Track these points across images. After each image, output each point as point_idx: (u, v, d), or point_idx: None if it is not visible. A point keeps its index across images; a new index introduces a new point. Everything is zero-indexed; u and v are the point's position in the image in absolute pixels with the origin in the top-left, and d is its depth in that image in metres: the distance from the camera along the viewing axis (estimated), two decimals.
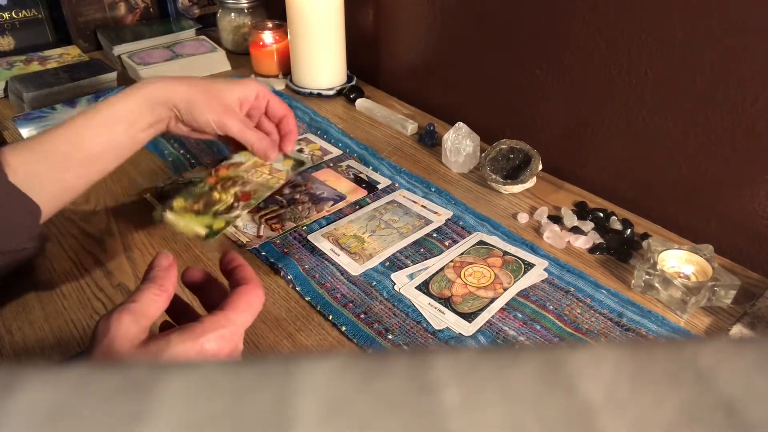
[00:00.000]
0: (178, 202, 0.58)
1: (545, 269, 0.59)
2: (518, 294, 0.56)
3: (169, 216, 0.57)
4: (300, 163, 0.65)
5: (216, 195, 0.59)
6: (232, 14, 1.11)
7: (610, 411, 0.12)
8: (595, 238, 0.63)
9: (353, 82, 0.98)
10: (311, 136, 0.84)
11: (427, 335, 0.52)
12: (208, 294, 0.42)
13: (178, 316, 0.42)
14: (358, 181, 0.73)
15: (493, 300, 0.55)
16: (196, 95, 0.57)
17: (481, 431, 0.12)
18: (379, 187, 0.72)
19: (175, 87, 0.56)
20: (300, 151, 0.80)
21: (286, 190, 0.71)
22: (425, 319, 0.53)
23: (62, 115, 0.86)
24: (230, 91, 0.59)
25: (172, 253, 0.61)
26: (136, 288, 0.37)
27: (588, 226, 0.65)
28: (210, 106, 0.57)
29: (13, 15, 1.06)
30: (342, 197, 0.70)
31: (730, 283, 0.54)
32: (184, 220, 0.56)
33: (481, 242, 0.63)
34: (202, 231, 0.55)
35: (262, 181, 0.61)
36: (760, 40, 0.54)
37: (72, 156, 0.53)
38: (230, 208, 0.58)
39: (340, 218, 0.67)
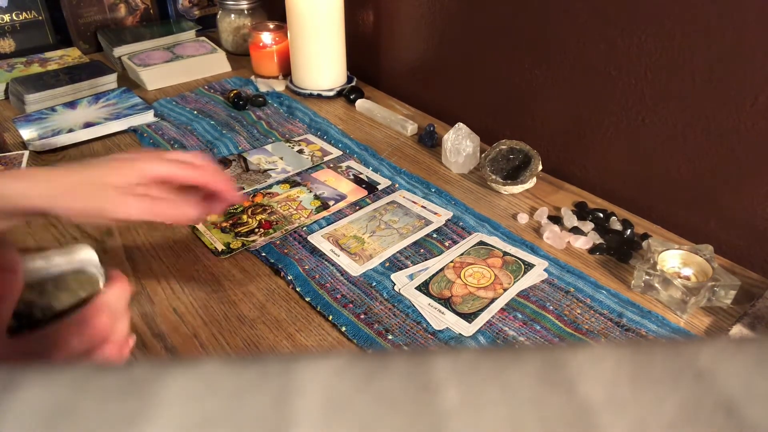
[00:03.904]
0: (212, 217, 0.66)
1: (545, 270, 0.59)
2: (518, 294, 0.56)
3: (201, 227, 0.65)
4: (325, 206, 0.68)
5: (244, 217, 0.67)
6: (232, 15, 1.11)
7: (610, 411, 0.12)
8: (595, 239, 0.63)
9: (353, 83, 0.98)
10: (311, 137, 0.84)
11: (427, 336, 0.52)
12: None
13: None
14: (358, 181, 0.73)
15: (493, 300, 0.55)
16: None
17: (481, 431, 0.12)
18: (379, 187, 0.72)
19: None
20: (300, 152, 0.80)
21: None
22: (425, 319, 0.53)
23: (62, 116, 0.86)
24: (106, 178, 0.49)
25: (172, 253, 0.62)
26: None
27: (588, 226, 0.65)
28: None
29: (14, 17, 1.06)
30: (342, 197, 0.70)
31: (730, 283, 0.54)
32: (210, 233, 0.64)
33: (481, 243, 0.63)
34: (221, 247, 0.62)
35: (287, 215, 0.67)
36: (759, 40, 0.54)
37: None
38: (251, 232, 0.64)
39: (340, 219, 0.67)
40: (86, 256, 0.37)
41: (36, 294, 0.34)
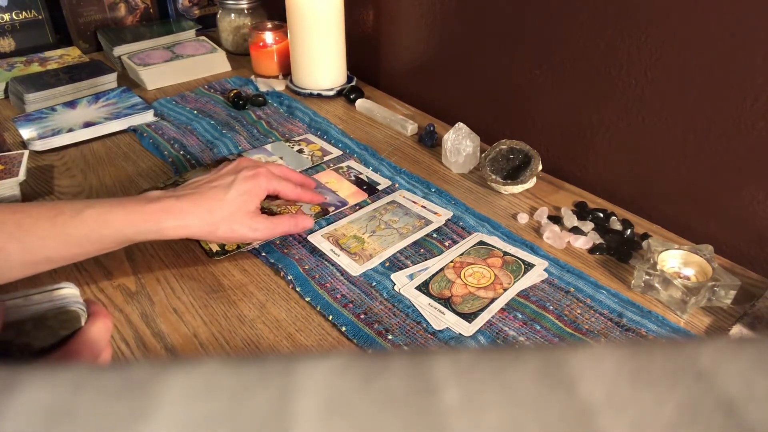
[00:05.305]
0: None
1: (545, 269, 0.59)
2: (518, 294, 0.56)
3: None
4: (325, 212, 0.67)
5: None
6: (232, 15, 1.11)
7: (610, 411, 0.12)
8: (595, 239, 0.63)
9: (353, 83, 0.98)
10: (311, 137, 0.84)
11: (427, 336, 0.52)
12: None
13: None
14: (358, 182, 0.73)
15: (493, 300, 0.55)
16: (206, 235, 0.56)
17: (481, 431, 0.12)
18: (379, 187, 0.72)
19: (189, 232, 0.54)
20: (300, 151, 0.80)
21: None
22: (425, 319, 0.53)
23: (62, 116, 0.86)
24: (237, 221, 0.56)
25: (172, 253, 0.62)
26: None
27: (588, 226, 0.65)
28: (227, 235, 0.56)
29: (14, 16, 1.06)
30: (344, 203, 0.69)
31: (730, 283, 0.54)
32: None
33: (481, 242, 0.63)
34: (216, 248, 0.61)
35: None
36: (760, 40, 0.54)
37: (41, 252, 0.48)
38: None
39: (340, 219, 0.67)
40: (68, 292, 0.36)
41: (13, 333, 0.33)
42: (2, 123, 0.89)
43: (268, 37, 1.01)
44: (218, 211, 0.54)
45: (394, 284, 0.57)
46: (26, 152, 0.75)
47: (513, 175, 0.73)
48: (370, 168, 0.77)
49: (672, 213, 0.67)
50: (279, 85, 0.99)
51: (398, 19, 0.95)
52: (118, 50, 1.06)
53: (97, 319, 0.37)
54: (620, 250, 0.61)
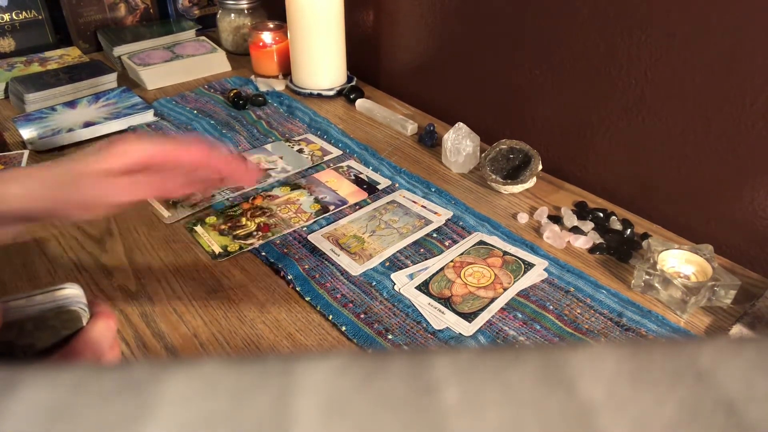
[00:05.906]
0: (210, 219, 0.67)
1: (545, 269, 0.59)
2: (518, 294, 0.56)
3: (199, 229, 0.65)
4: (325, 209, 0.68)
5: (243, 220, 0.67)
6: (232, 15, 1.11)
7: (610, 411, 0.12)
8: (595, 238, 0.63)
9: (353, 83, 0.98)
10: (311, 137, 0.84)
11: (427, 335, 0.52)
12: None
13: None
14: (358, 182, 0.73)
15: (493, 300, 0.55)
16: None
17: (480, 431, 0.12)
18: (379, 187, 0.72)
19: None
20: (300, 151, 0.80)
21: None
22: (425, 319, 0.53)
23: (62, 116, 0.86)
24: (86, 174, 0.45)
25: (172, 253, 0.62)
26: None
27: (588, 226, 0.65)
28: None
29: (14, 16, 1.06)
30: (344, 202, 0.69)
31: (730, 283, 0.54)
32: (208, 236, 0.64)
33: (481, 242, 0.63)
34: (218, 249, 0.62)
35: (286, 218, 0.66)
36: (759, 40, 0.54)
37: None
38: (249, 236, 0.64)
39: (340, 218, 0.67)
40: (70, 292, 0.36)
41: (15, 333, 0.34)
42: (2, 123, 0.89)
43: (268, 37, 1.01)
44: (58, 173, 0.45)
45: (394, 284, 0.57)
46: (26, 152, 0.75)
47: (513, 174, 0.73)
48: (370, 168, 0.77)
49: (672, 213, 0.67)
50: (279, 85, 0.99)
51: (398, 19, 0.94)
52: (118, 50, 1.06)
53: (100, 319, 0.37)
54: (620, 250, 0.61)
